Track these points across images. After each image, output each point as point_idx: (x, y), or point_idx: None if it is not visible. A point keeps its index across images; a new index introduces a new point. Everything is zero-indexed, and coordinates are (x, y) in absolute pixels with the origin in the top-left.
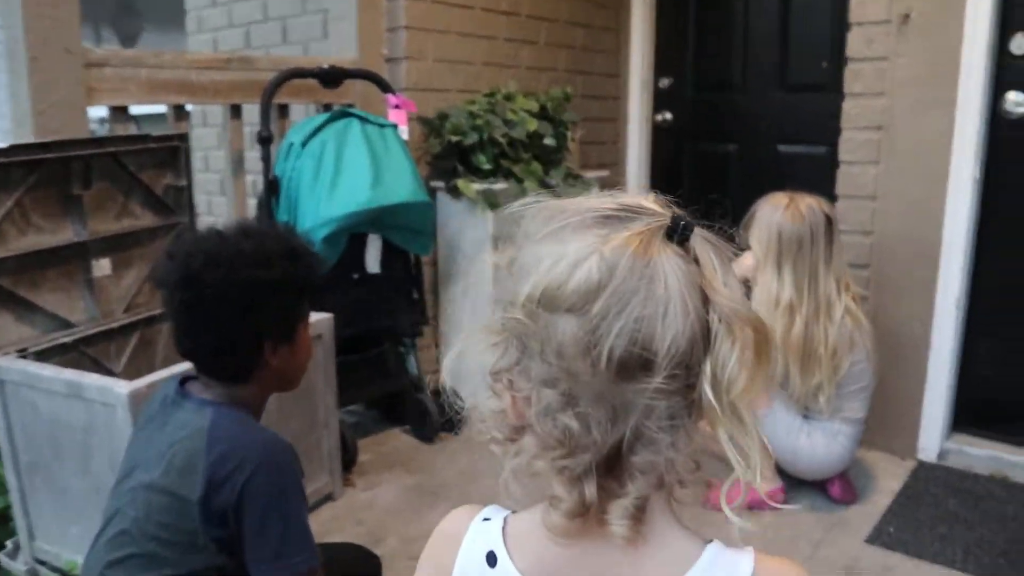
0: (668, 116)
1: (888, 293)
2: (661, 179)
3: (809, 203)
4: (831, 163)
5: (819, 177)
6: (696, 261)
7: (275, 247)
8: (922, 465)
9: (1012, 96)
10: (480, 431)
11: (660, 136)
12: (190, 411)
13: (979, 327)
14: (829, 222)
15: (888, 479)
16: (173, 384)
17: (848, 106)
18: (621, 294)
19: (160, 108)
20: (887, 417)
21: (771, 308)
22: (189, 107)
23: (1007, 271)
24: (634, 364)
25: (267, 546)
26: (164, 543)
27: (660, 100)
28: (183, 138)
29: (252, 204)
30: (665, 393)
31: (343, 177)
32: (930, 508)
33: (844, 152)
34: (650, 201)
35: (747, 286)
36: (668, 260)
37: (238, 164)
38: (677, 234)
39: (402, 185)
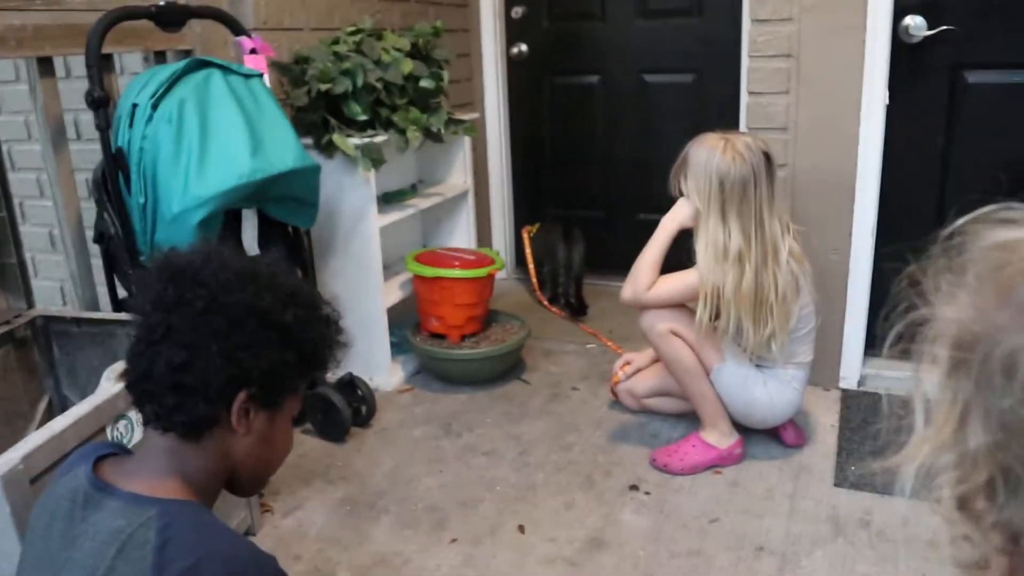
0: (524, 48)
1: (806, 225)
2: (521, 117)
3: (746, 142)
4: (699, 91)
5: (688, 106)
6: None
7: (299, 292)
8: (847, 393)
9: (911, 20)
10: None
11: (517, 71)
12: (119, 513)
13: (886, 252)
14: (768, 160)
15: (823, 413)
16: (83, 471)
17: (755, 33)
18: None
19: None
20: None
21: (720, 260)
22: None
23: (907, 195)
24: None
25: None
26: None
27: (514, 31)
28: None
29: (81, 181)
30: None
31: (214, 144)
32: (875, 440)
33: (752, 83)
34: None
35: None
36: None
37: (58, 133)
38: None
39: (286, 149)
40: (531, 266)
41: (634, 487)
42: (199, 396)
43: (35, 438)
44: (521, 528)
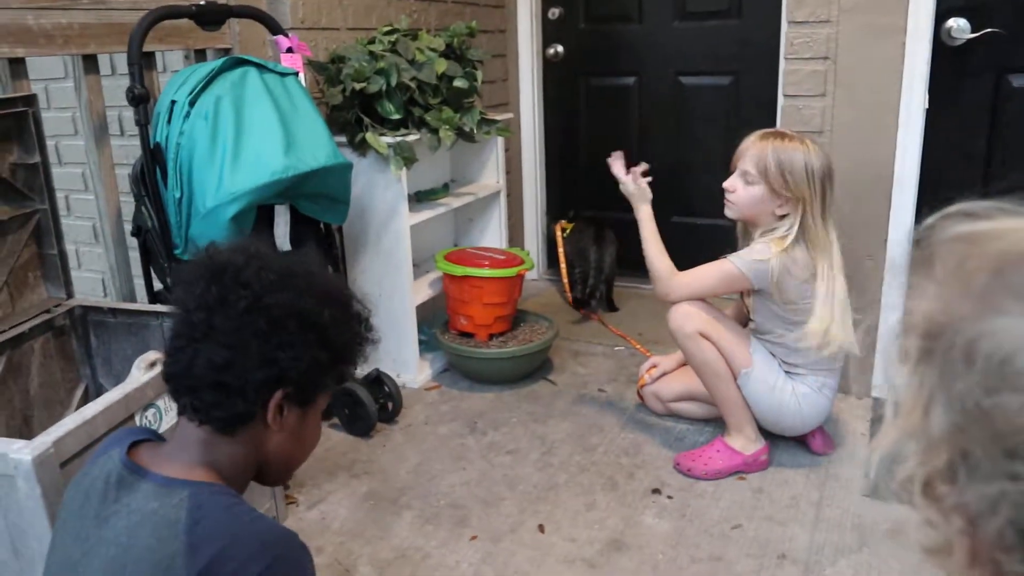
0: (560, 49)
1: (840, 230)
2: (557, 118)
3: (803, 140)
4: (736, 93)
5: (723, 109)
6: None
7: (336, 292)
8: (879, 403)
9: (954, 23)
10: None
11: (552, 71)
12: (152, 495)
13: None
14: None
15: (854, 421)
16: (117, 454)
17: (791, 35)
18: None
19: None
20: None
21: (835, 268)
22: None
23: (949, 201)
24: None
25: None
26: None
27: (550, 33)
28: (31, 101)
29: (123, 176)
30: None
31: (248, 141)
32: None
33: (788, 85)
34: None
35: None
36: None
37: (101, 129)
38: None
39: (319, 146)
40: (563, 266)
41: (656, 490)
42: (238, 394)
43: (66, 423)
44: (541, 527)
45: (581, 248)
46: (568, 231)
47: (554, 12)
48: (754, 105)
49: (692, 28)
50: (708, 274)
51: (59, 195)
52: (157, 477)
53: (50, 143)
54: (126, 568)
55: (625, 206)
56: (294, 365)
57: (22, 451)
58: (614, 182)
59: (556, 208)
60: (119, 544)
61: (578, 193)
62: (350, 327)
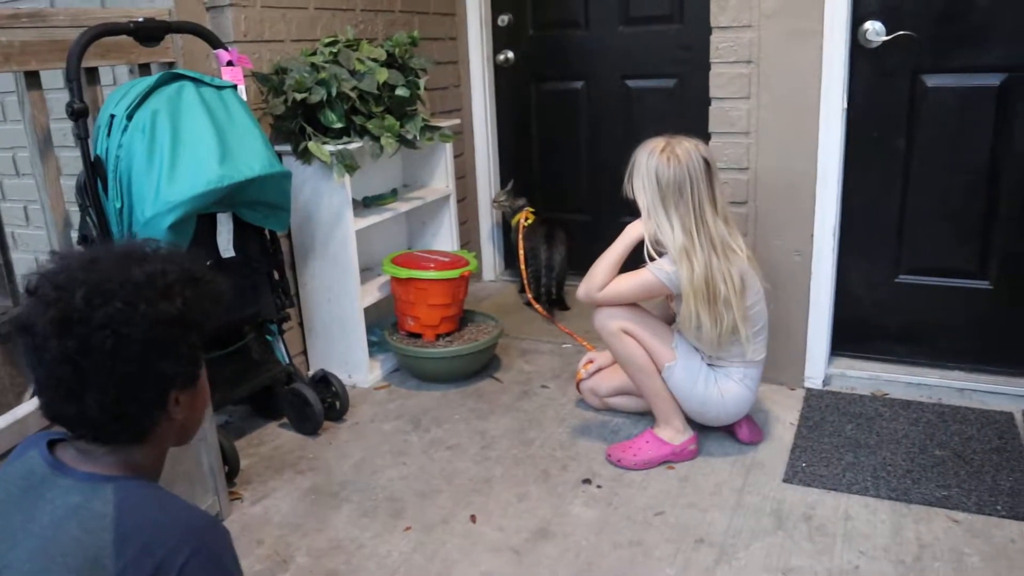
0: (510, 55)
1: (768, 227)
2: (508, 123)
3: (685, 147)
4: (680, 96)
5: (670, 110)
6: None
7: (172, 272)
8: (811, 392)
9: (870, 26)
10: None
11: (504, 77)
12: (76, 491)
13: (849, 252)
14: (708, 165)
15: (784, 411)
16: (39, 452)
17: (716, 40)
18: None
19: None
20: (774, 350)
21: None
22: None
23: (869, 196)
24: None
25: None
26: None
27: (500, 39)
28: None
29: (68, 187)
30: None
31: (184, 152)
32: (832, 437)
33: (715, 88)
34: None
35: (657, 250)
36: None
37: (45, 143)
38: None
39: (254, 156)
40: (521, 257)
41: (587, 480)
42: (137, 415)
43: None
44: (473, 518)
45: (532, 247)
46: (530, 220)
47: (503, 19)
48: (697, 106)
49: (636, 33)
50: (627, 284)
51: (18, 205)
52: (79, 474)
53: (6, 155)
54: (54, 560)
55: (576, 208)
56: (176, 366)
57: None
58: (567, 184)
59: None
60: (44, 537)
61: (531, 195)
62: (200, 295)
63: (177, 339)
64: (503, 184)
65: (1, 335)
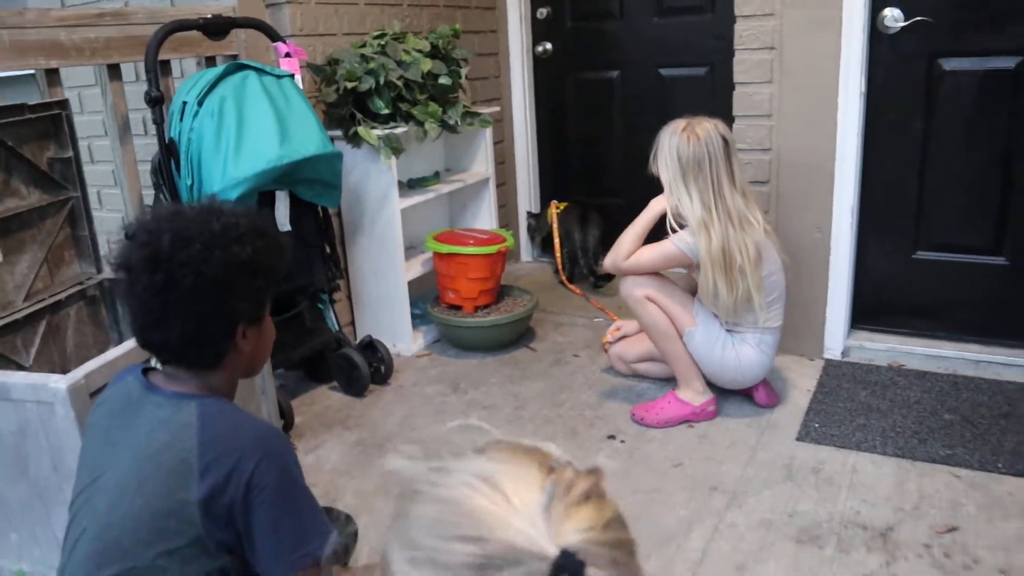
0: (548, 47)
1: (789, 205)
2: (546, 111)
3: (705, 126)
4: (712, 83)
5: (702, 98)
6: None
7: (243, 225)
8: (829, 363)
9: (888, 12)
10: None
11: (542, 67)
12: (166, 407)
13: (868, 229)
14: (726, 143)
15: (803, 379)
16: (134, 377)
17: (740, 28)
18: None
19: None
20: (795, 322)
21: (700, 228)
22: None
23: (888, 175)
24: None
25: (284, 540)
26: (164, 553)
27: (539, 31)
28: (64, 104)
29: (145, 171)
30: None
31: (248, 134)
32: (846, 402)
33: (738, 73)
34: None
35: (678, 222)
36: None
37: (124, 129)
38: None
39: (310, 138)
40: (556, 242)
41: (612, 436)
42: (211, 345)
43: (94, 362)
44: None
45: (567, 230)
46: (563, 207)
47: (542, 12)
48: (727, 92)
49: (670, 23)
50: (650, 254)
51: (91, 190)
52: (168, 393)
53: (83, 143)
54: (149, 460)
55: (611, 191)
56: (243, 303)
57: (59, 382)
58: (602, 169)
59: (548, 195)
60: (140, 443)
61: (567, 180)
62: (268, 247)
63: (246, 280)
64: (541, 177)
65: (87, 297)
